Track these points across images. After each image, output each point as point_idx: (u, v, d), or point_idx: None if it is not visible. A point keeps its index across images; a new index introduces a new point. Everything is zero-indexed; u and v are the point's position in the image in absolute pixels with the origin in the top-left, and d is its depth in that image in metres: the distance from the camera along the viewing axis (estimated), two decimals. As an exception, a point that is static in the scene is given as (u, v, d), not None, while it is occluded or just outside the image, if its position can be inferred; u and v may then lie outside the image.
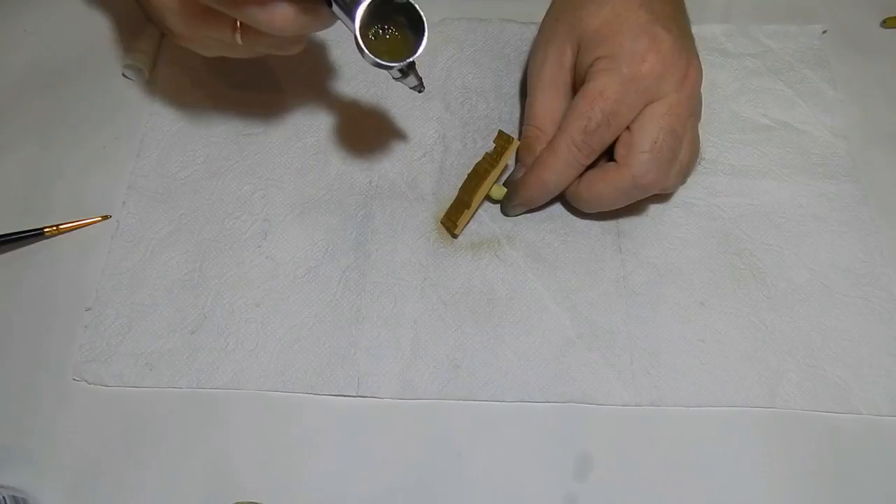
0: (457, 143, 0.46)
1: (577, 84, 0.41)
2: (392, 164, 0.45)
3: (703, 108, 0.42)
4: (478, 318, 0.40)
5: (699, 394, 0.38)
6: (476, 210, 0.43)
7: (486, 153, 0.41)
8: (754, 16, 0.51)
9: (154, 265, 0.42)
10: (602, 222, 0.43)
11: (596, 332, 0.40)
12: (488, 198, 0.43)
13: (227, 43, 0.37)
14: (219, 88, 0.48)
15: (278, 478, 0.37)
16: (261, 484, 0.36)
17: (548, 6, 0.44)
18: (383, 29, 0.35)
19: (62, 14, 0.51)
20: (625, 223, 0.43)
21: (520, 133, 0.46)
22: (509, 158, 0.41)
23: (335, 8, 0.33)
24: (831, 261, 0.42)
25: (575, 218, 0.43)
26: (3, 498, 0.34)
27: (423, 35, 0.34)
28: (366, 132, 0.46)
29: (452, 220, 0.42)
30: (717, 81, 0.48)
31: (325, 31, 0.36)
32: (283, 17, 0.33)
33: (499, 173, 0.41)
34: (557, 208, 0.44)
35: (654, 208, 0.44)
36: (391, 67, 0.34)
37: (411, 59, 0.34)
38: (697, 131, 0.41)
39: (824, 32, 0.50)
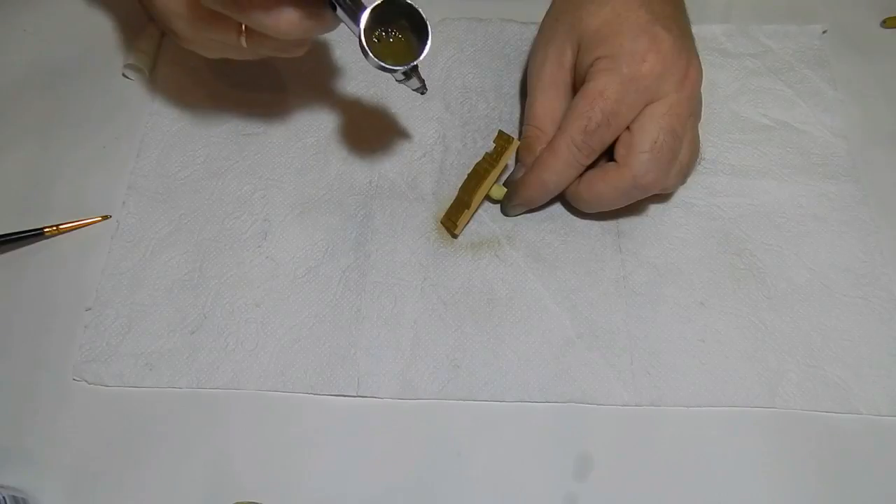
0: (457, 143, 0.46)
1: (577, 84, 0.41)
2: (392, 164, 0.45)
3: (703, 108, 0.42)
4: (478, 318, 0.40)
5: (699, 394, 0.38)
6: (476, 210, 0.43)
7: (486, 153, 0.41)
8: (754, 16, 0.51)
9: (154, 265, 0.42)
10: (602, 222, 0.43)
11: (596, 332, 0.40)
12: (488, 198, 0.43)
13: (232, 46, 0.37)
14: (219, 88, 0.48)
15: (278, 478, 0.37)
16: (261, 484, 0.36)
17: (548, 6, 0.44)
18: (386, 32, 0.35)
19: (62, 14, 0.51)
20: (625, 223, 0.43)
21: (520, 133, 0.46)
22: (509, 158, 0.41)
23: (339, 12, 0.33)
24: (831, 261, 0.42)
25: (575, 218, 0.43)
26: (3, 498, 0.34)
27: (426, 38, 0.34)
28: (366, 132, 0.46)
29: (452, 220, 0.42)
30: (717, 81, 0.48)
31: (311, 41, 0.36)
32: (287, 21, 0.33)
33: (499, 173, 0.41)
34: (557, 208, 0.44)
35: (654, 208, 0.44)
36: (395, 71, 0.34)
37: (415, 63, 0.34)
38: (697, 131, 0.41)
39: (824, 32, 0.50)
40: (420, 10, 0.34)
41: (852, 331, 0.40)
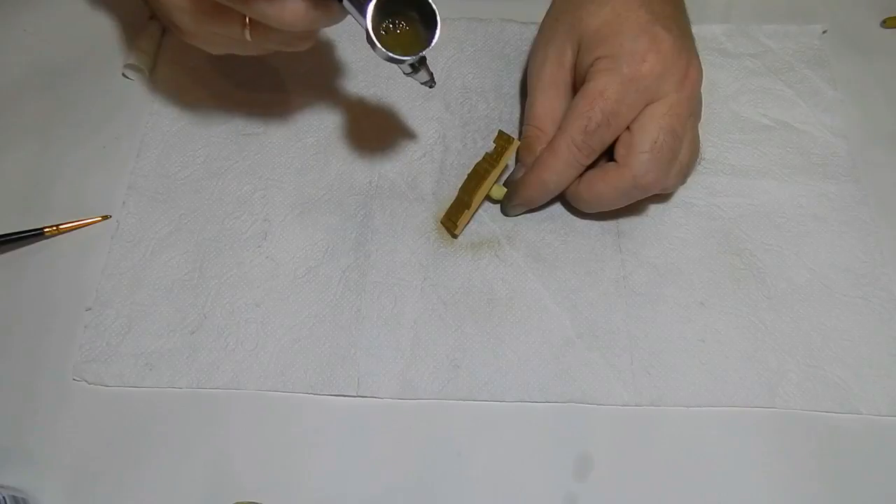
0: (457, 143, 0.46)
1: (577, 84, 0.41)
2: (392, 164, 0.45)
3: (703, 108, 0.42)
4: (478, 318, 0.40)
5: (699, 394, 0.38)
6: (476, 210, 0.43)
7: (486, 153, 0.41)
8: (754, 16, 0.51)
9: (154, 265, 0.42)
10: (602, 222, 0.43)
11: (596, 332, 0.40)
12: (488, 198, 0.43)
13: (236, 40, 0.37)
14: (219, 88, 0.48)
15: (278, 478, 0.37)
16: (261, 484, 0.36)
17: (548, 6, 0.44)
18: (394, 24, 0.34)
19: (62, 14, 0.51)
20: (625, 223, 0.43)
21: (520, 133, 0.46)
22: (509, 158, 0.41)
23: (346, 3, 0.33)
24: (831, 261, 0.42)
25: (575, 218, 0.43)
26: (3, 498, 0.34)
27: (435, 28, 0.33)
28: (366, 132, 0.46)
29: (452, 220, 0.42)
30: (717, 81, 0.48)
31: (323, 30, 0.36)
32: (293, 13, 0.33)
33: (499, 173, 0.41)
34: (557, 208, 0.44)
35: (654, 208, 0.44)
36: (404, 61, 0.34)
37: (425, 52, 0.34)
38: (697, 131, 0.41)
39: (824, 32, 0.50)
40: None
41: (852, 331, 0.40)
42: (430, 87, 0.38)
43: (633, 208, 0.42)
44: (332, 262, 0.42)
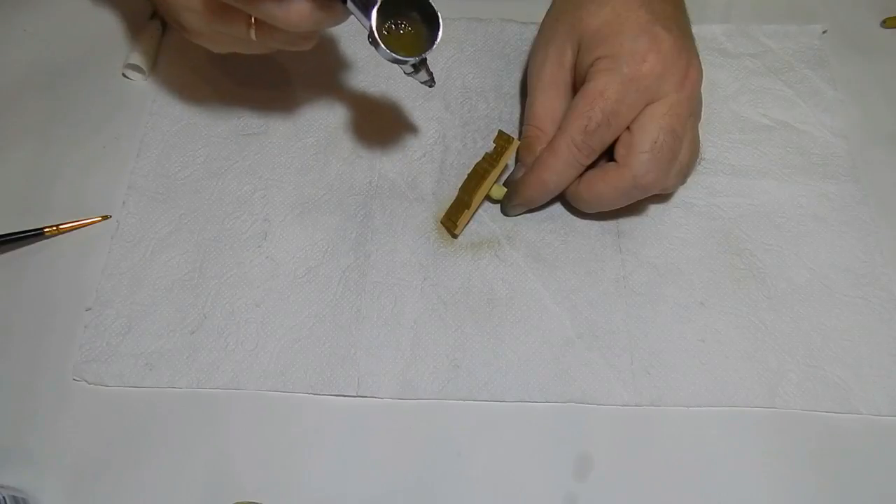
0: (457, 143, 0.46)
1: (577, 84, 0.41)
2: (392, 164, 0.45)
3: (703, 108, 0.42)
4: (478, 318, 0.40)
5: (699, 394, 0.38)
6: (476, 210, 0.43)
7: (486, 153, 0.41)
8: (754, 16, 0.51)
9: (154, 265, 0.42)
10: (602, 222, 0.43)
11: (596, 332, 0.40)
12: (488, 198, 0.43)
13: (241, 39, 0.37)
14: (219, 88, 0.48)
15: (278, 478, 0.37)
16: (261, 484, 0.36)
17: (548, 6, 0.44)
18: (396, 24, 0.35)
19: (62, 14, 0.51)
20: (625, 223, 0.43)
21: (520, 133, 0.46)
22: (509, 158, 0.41)
23: (350, 4, 0.33)
24: (831, 261, 0.42)
25: (575, 218, 0.43)
26: (3, 498, 0.34)
27: (437, 29, 0.34)
28: (366, 132, 0.46)
29: (452, 220, 0.42)
30: (717, 81, 0.48)
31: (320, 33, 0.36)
32: (298, 13, 0.33)
33: (499, 173, 0.41)
34: (557, 208, 0.44)
35: (654, 208, 0.44)
36: (406, 62, 0.34)
37: (428, 52, 0.34)
38: (697, 131, 0.41)
39: (824, 32, 0.50)
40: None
41: (852, 331, 0.40)
42: (430, 86, 0.38)
43: (633, 208, 0.42)
44: (332, 262, 0.42)
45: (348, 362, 0.39)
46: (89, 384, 0.39)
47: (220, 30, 0.37)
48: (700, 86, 0.39)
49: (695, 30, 0.41)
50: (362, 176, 0.45)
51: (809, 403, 0.38)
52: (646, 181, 0.38)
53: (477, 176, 0.41)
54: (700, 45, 0.41)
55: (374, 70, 0.48)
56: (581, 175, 0.41)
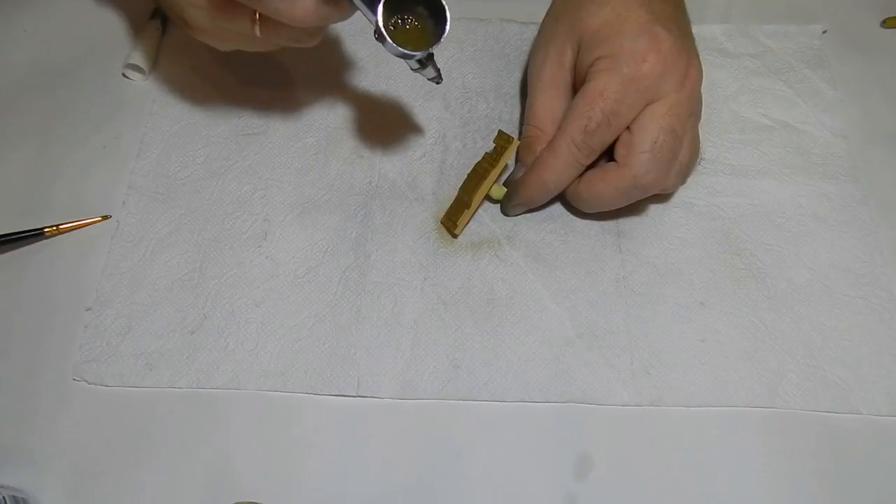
0: (457, 142, 0.46)
1: (577, 84, 0.41)
2: (392, 164, 0.45)
3: (703, 108, 0.42)
4: (478, 318, 0.40)
5: (699, 394, 0.38)
6: (476, 210, 0.43)
7: (486, 153, 0.41)
8: (754, 16, 0.51)
9: (154, 265, 0.42)
10: (602, 222, 0.43)
11: (596, 332, 0.40)
12: (488, 198, 0.43)
13: (245, 36, 0.37)
14: (219, 88, 0.48)
15: (278, 478, 0.37)
16: (261, 484, 0.36)
17: (548, 6, 0.44)
18: (402, 20, 0.34)
19: (62, 14, 0.51)
20: (625, 223, 0.43)
21: (520, 133, 0.46)
22: (509, 158, 0.41)
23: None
24: (831, 261, 0.42)
25: (575, 218, 0.43)
26: (3, 498, 0.34)
27: (445, 23, 0.33)
28: (366, 132, 0.46)
29: (452, 220, 0.42)
30: (717, 81, 0.48)
31: (325, 30, 0.36)
32: (303, 8, 0.33)
33: (499, 173, 0.41)
34: (557, 208, 0.44)
35: (654, 208, 0.44)
36: (413, 57, 0.34)
37: (435, 46, 0.34)
38: (697, 131, 0.41)
39: (824, 32, 0.50)
40: None
41: (852, 331, 0.40)
42: (437, 82, 0.38)
43: (633, 208, 0.42)
44: (332, 262, 0.42)
45: (348, 362, 0.39)
46: (89, 384, 0.39)
47: (224, 26, 0.37)
48: (700, 86, 0.39)
49: (695, 30, 0.41)
50: (362, 176, 0.45)
51: (809, 403, 0.38)
52: (646, 181, 0.38)
53: (477, 176, 0.41)
54: (700, 45, 0.41)
55: (374, 70, 0.48)
56: (581, 175, 0.41)
